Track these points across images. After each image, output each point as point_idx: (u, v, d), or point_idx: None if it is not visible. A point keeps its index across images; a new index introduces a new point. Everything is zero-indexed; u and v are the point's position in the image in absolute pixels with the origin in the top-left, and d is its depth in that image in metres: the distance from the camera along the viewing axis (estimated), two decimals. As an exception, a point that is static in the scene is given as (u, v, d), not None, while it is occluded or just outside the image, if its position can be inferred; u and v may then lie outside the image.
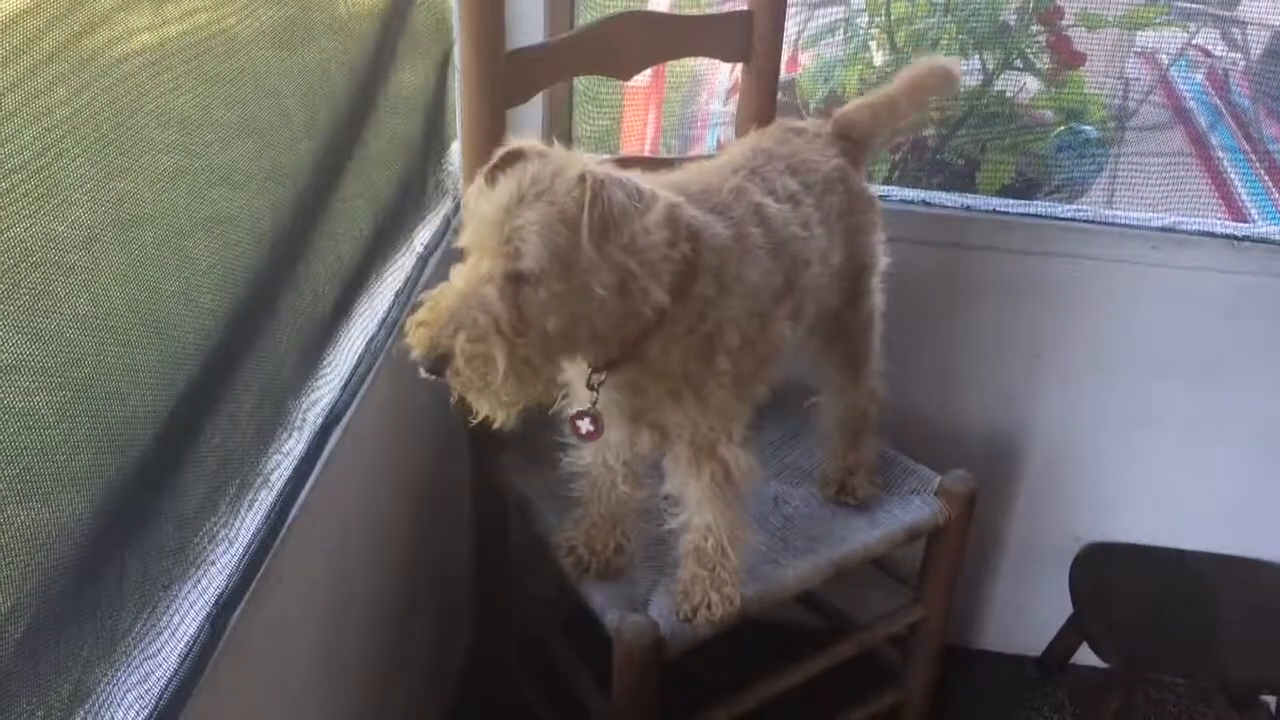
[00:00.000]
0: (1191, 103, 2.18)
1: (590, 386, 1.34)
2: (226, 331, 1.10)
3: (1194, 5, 2.16)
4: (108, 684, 0.94)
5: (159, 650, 1.01)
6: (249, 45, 1.14)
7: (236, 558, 1.14)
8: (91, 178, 0.88)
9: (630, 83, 2.34)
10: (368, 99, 1.41)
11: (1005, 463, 2.12)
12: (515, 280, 1.15)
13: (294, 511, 1.23)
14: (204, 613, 1.07)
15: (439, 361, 1.15)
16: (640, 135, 2.38)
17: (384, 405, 1.51)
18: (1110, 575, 2.04)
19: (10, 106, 0.76)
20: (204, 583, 1.09)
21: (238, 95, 1.12)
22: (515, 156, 1.21)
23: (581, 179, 1.15)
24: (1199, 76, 2.21)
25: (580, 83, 1.97)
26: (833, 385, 1.67)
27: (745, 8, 1.70)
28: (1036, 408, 2.06)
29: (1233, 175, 2.09)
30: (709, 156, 1.64)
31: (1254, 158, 2.11)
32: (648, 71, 2.42)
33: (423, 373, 1.16)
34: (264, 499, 1.21)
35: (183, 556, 1.07)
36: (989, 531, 2.17)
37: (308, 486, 1.27)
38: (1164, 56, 2.19)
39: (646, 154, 2.23)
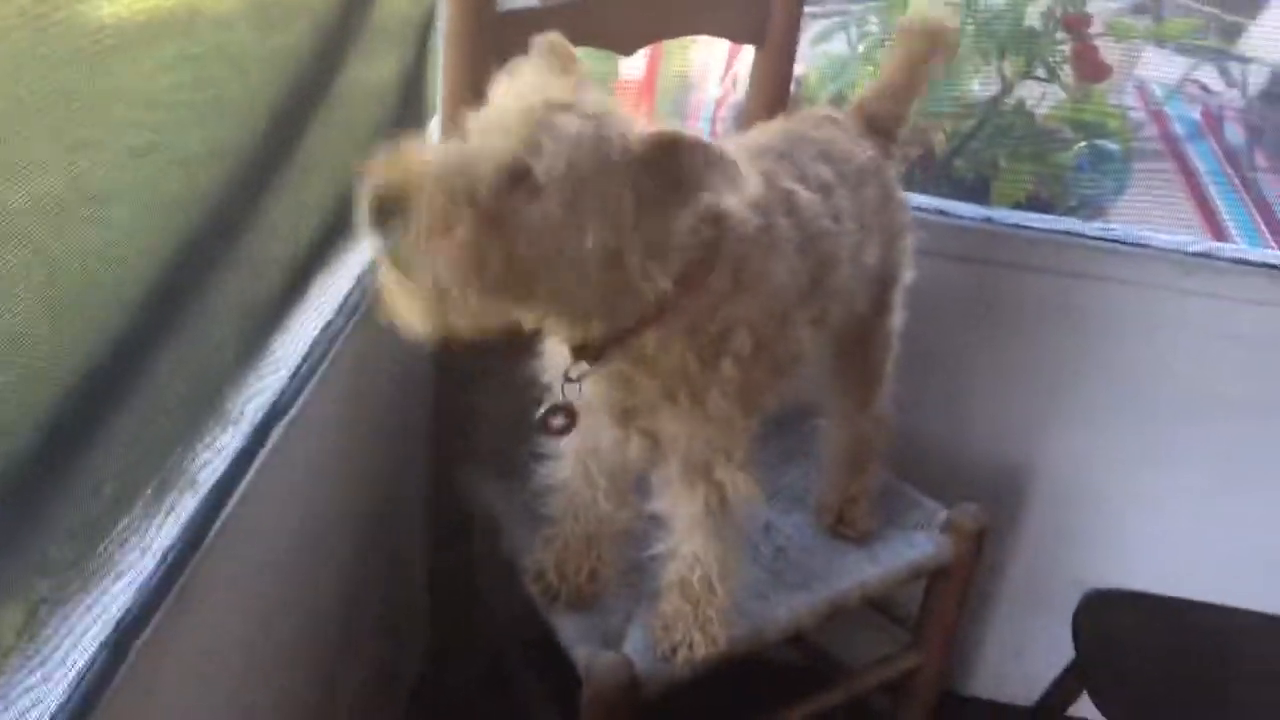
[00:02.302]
0: (1181, 131, 2.09)
1: (569, 378, 1.15)
2: (148, 312, 0.94)
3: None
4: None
5: (41, 682, 0.84)
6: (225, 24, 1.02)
7: (148, 571, 0.97)
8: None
9: (623, 76, 2.23)
10: (333, 71, 1.25)
11: (1010, 496, 1.98)
12: (516, 177, 0.95)
13: (222, 517, 1.06)
14: (102, 636, 0.90)
15: (392, 204, 0.93)
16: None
17: (338, 399, 1.34)
18: (1118, 624, 1.89)
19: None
20: (106, 599, 0.92)
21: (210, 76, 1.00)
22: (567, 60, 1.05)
23: (661, 139, 0.99)
24: (1195, 113, 2.10)
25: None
26: (841, 409, 1.51)
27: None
28: (1048, 439, 1.92)
29: (1216, 198, 2.01)
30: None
31: (1238, 182, 2.03)
32: (641, 67, 2.31)
33: (366, 211, 0.95)
34: (187, 503, 1.04)
35: (80, 569, 0.90)
36: (987, 569, 2.02)
37: (240, 488, 1.10)
38: (1158, 89, 2.09)
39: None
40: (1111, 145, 2.07)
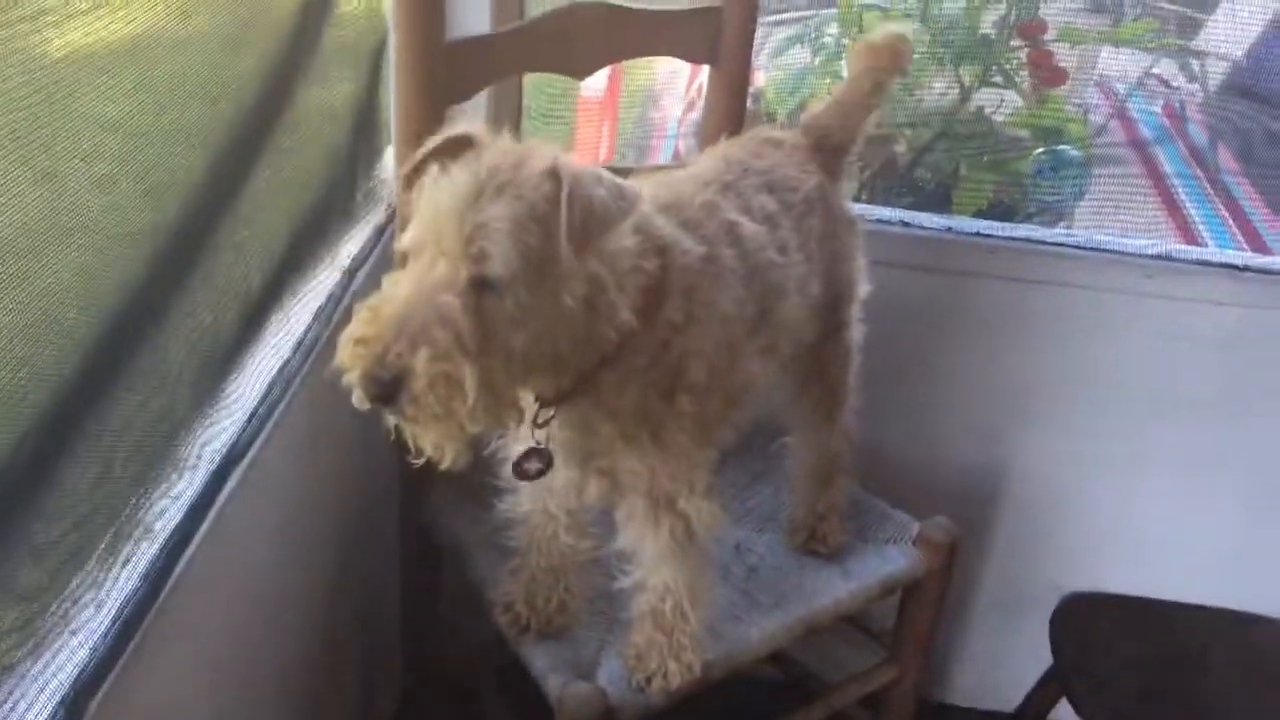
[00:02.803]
0: (1148, 134, 2.08)
1: (537, 424, 1.15)
2: (97, 358, 0.92)
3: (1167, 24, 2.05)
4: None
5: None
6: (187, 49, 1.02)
7: (104, 625, 0.95)
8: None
9: (584, 93, 2.22)
10: (284, 101, 1.23)
11: (982, 503, 1.98)
12: (478, 287, 0.96)
13: (180, 566, 1.04)
14: (57, 697, 0.88)
15: (390, 385, 0.94)
16: (594, 149, 2.24)
17: (299, 438, 1.33)
18: (1094, 628, 1.88)
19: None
20: (61, 657, 0.90)
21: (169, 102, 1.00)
22: (464, 144, 1.03)
23: (553, 172, 0.98)
24: (1156, 107, 2.11)
25: (531, 99, 1.81)
26: (805, 426, 1.51)
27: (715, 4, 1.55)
28: (1017, 445, 1.92)
29: (1186, 201, 1.99)
30: (674, 167, 1.48)
31: (1207, 185, 2.02)
32: (602, 84, 2.29)
33: (359, 401, 0.96)
34: (144, 552, 1.02)
35: (34, 629, 0.88)
36: (963, 577, 2.01)
37: (199, 535, 1.08)
38: (1120, 86, 2.09)
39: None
40: (1071, 150, 2.07)
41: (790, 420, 1.52)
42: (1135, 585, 1.93)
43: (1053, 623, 1.89)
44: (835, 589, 1.49)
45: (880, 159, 2.08)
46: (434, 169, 1.02)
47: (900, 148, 2.09)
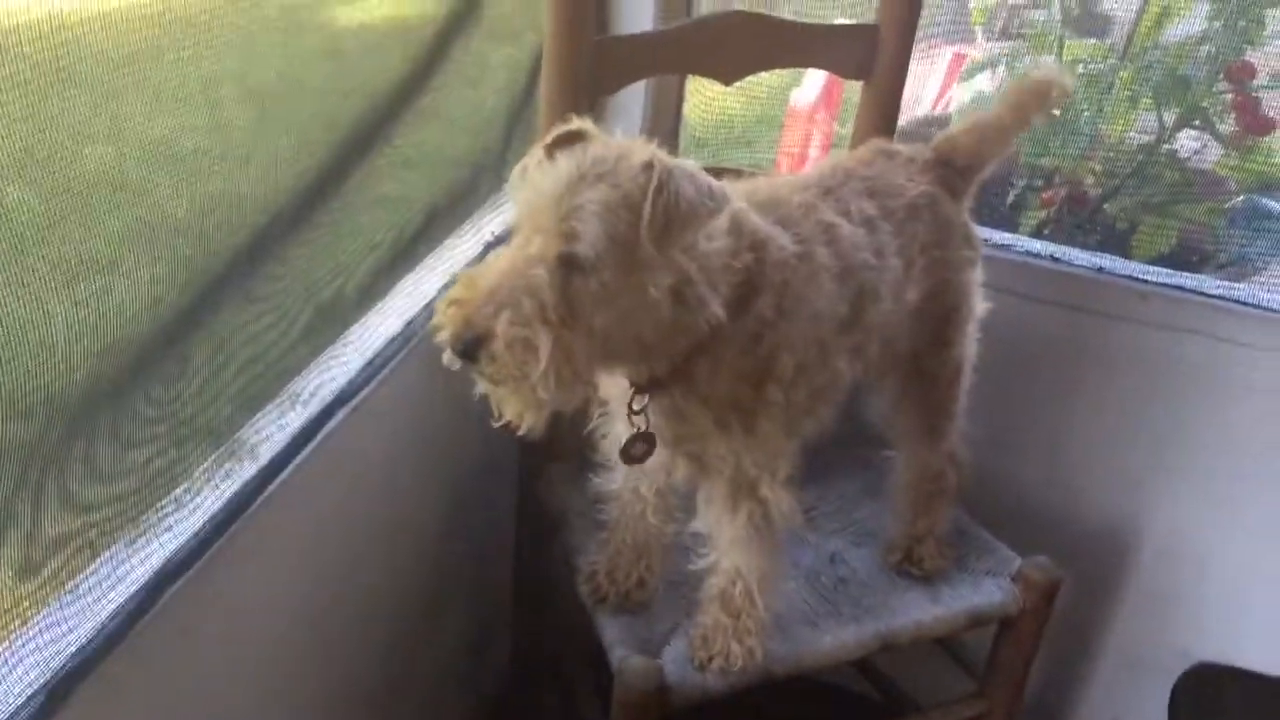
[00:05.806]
0: None
1: (634, 410, 1.22)
2: (206, 292, 1.04)
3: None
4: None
5: (75, 615, 0.95)
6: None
7: (195, 527, 1.07)
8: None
9: (793, 102, 2.24)
10: (431, 68, 1.33)
11: (1110, 554, 1.90)
12: (567, 265, 1.03)
13: (274, 485, 1.16)
14: (140, 582, 1.00)
15: (472, 344, 1.02)
16: (800, 157, 2.26)
17: (412, 393, 1.43)
18: (1219, 704, 1.79)
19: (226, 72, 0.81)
20: (150, 549, 1.03)
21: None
22: (574, 137, 1.10)
23: (648, 165, 1.04)
24: None
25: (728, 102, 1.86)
26: (907, 439, 1.51)
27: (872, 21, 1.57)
28: (1153, 499, 1.83)
29: None
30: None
31: None
32: (813, 95, 2.31)
33: (449, 358, 1.05)
34: (245, 471, 1.14)
35: (134, 514, 1.01)
36: (1086, 631, 1.95)
37: (296, 461, 1.19)
38: None
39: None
40: (1272, 202, 1.97)
41: (891, 432, 1.52)
42: (1270, 661, 1.82)
43: (1174, 694, 1.81)
44: (921, 611, 1.48)
45: (1068, 195, 2.04)
46: (535, 154, 1.10)
47: (1089, 182, 2.05)
